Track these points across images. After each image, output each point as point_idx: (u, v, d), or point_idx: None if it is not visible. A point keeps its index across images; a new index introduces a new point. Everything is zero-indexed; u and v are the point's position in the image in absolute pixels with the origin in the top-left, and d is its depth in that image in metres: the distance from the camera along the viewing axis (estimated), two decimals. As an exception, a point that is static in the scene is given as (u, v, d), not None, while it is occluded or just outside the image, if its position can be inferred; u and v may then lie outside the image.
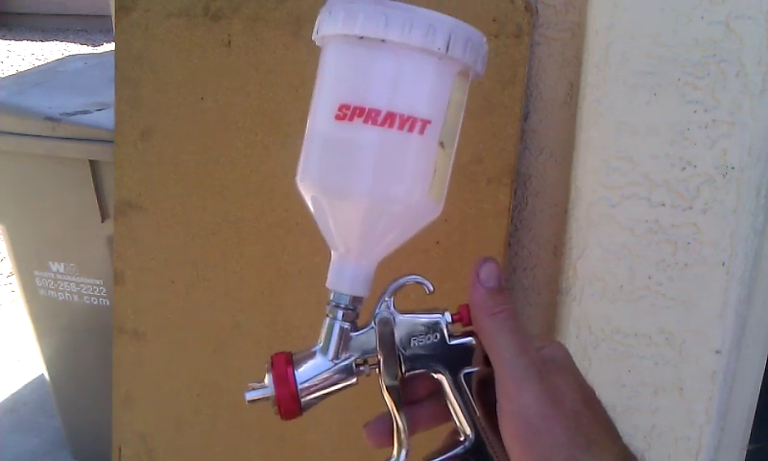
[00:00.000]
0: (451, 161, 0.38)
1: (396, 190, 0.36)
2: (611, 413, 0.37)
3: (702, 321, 0.71)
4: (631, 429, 0.77)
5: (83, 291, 1.27)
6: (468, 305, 0.39)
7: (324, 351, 0.39)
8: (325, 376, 0.39)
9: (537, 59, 0.77)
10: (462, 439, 0.39)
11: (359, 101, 0.35)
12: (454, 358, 0.39)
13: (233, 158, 0.89)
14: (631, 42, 0.64)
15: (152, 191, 0.94)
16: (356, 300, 0.39)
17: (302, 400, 0.38)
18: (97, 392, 1.32)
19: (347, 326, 0.39)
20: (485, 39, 0.37)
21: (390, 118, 0.34)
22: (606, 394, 0.38)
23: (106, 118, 1.13)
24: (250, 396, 0.39)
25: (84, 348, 1.33)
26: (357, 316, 0.40)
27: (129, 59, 0.92)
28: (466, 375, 0.39)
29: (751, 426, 0.85)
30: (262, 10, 0.84)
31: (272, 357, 0.39)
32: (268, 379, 0.38)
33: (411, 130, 0.35)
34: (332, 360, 0.39)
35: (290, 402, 0.38)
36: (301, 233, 0.88)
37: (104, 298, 1.27)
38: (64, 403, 1.43)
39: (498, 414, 0.36)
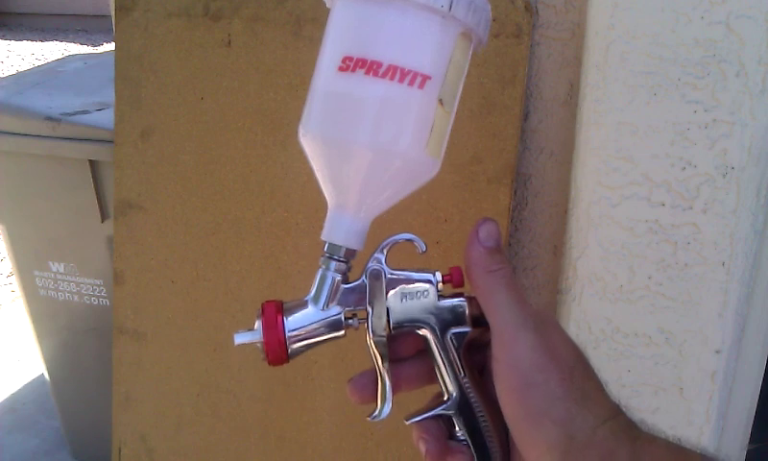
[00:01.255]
0: (450, 122, 0.39)
1: (394, 141, 0.37)
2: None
3: (702, 321, 0.71)
4: (631, 429, 0.77)
5: (83, 291, 1.27)
6: (459, 268, 0.40)
7: (315, 301, 0.40)
8: (314, 326, 0.39)
9: (537, 59, 0.77)
10: (445, 399, 0.40)
11: (362, 53, 0.36)
12: (442, 317, 0.40)
13: (233, 158, 0.89)
14: (631, 42, 0.64)
15: (152, 191, 0.94)
16: (349, 253, 0.40)
17: (290, 347, 0.39)
18: (97, 392, 1.32)
19: (338, 277, 0.40)
20: (489, 6, 0.38)
21: (391, 71, 0.35)
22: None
23: (106, 118, 1.13)
24: (238, 338, 0.40)
25: (83, 348, 1.33)
26: (349, 269, 0.40)
27: (129, 59, 0.92)
28: (453, 335, 0.40)
29: (751, 426, 0.85)
30: (262, 10, 0.84)
31: (263, 304, 0.40)
32: (258, 325, 0.39)
33: (411, 84, 0.36)
34: (322, 311, 0.40)
35: (277, 349, 0.39)
36: (301, 233, 0.88)
37: (104, 298, 1.27)
38: (64, 403, 1.43)
39: (493, 367, 0.37)
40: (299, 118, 0.39)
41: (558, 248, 0.82)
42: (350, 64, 0.36)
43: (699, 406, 0.74)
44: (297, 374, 0.91)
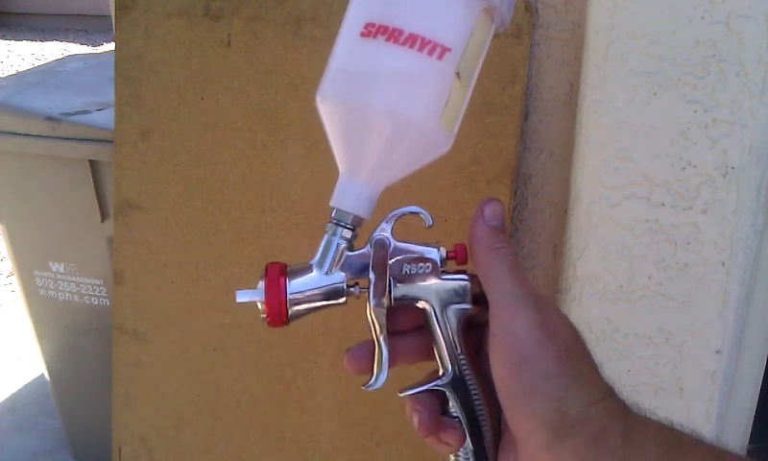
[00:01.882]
0: (467, 98, 0.39)
1: (408, 108, 0.37)
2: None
3: (702, 321, 0.71)
4: (631, 429, 0.77)
5: (83, 291, 1.27)
6: (463, 245, 0.40)
7: (319, 265, 0.40)
8: (316, 290, 0.40)
9: (537, 59, 0.77)
10: (440, 374, 0.40)
11: (384, 20, 0.36)
12: (443, 292, 0.40)
13: (233, 158, 0.89)
14: (631, 42, 0.64)
15: (152, 191, 0.94)
16: (356, 220, 0.40)
17: (290, 309, 0.39)
18: (97, 392, 1.32)
19: (344, 244, 0.40)
20: None
21: (411, 39, 0.36)
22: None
23: (106, 118, 1.13)
24: (240, 296, 0.40)
25: (84, 348, 1.33)
26: (355, 237, 0.40)
27: (129, 59, 0.92)
28: (453, 311, 0.40)
29: (751, 426, 0.85)
30: (262, 10, 0.84)
31: (267, 265, 0.40)
32: (260, 285, 0.39)
33: (430, 54, 0.36)
34: (325, 275, 0.40)
35: (278, 309, 0.39)
36: (301, 233, 0.88)
37: (104, 298, 1.27)
38: (64, 403, 1.43)
39: (490, 342, 0.37)
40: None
41: (558, 248, 0.82)
42: (372, 30, 0.36)
43: (699, 406, 0.74)
44: (297, 374, 0.91)
